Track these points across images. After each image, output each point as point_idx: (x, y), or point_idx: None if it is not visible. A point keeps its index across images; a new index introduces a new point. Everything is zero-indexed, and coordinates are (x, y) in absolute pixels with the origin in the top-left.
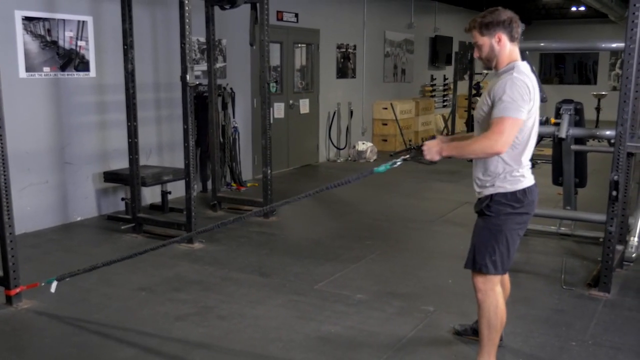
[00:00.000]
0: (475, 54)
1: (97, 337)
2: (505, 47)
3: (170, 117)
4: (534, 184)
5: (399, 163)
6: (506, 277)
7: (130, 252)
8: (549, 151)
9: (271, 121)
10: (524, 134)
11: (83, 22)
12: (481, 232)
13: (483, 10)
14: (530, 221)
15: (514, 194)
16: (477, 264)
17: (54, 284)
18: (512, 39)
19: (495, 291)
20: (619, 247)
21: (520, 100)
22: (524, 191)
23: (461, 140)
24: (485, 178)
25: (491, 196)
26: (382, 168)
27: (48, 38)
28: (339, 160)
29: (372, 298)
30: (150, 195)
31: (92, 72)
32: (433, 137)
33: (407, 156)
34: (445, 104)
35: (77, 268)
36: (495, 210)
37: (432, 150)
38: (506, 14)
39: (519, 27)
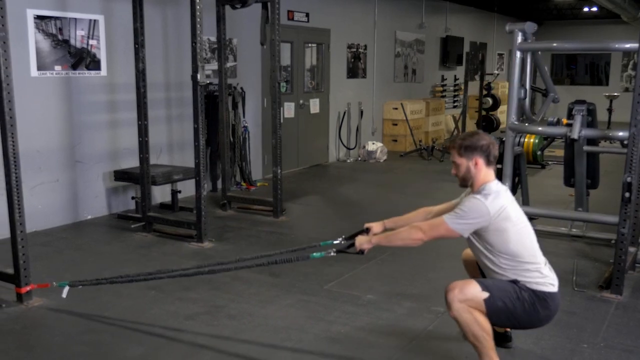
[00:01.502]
0: (453, 172)
1: (107, 335)
2: (481, 170)
3: (180, 116)
4: (558, 292)
5: (332, 254)
6: None
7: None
8: (560, 152)
9: (281, 121)
10: (512, 244)
11: (94, 21)
12: (504, 282)
13: (495, 11)
14: (541, 222)
15: (541, 292)
16: (486, 284)
17: (66, 290)
18: (488, 163)
19: (469, 309)
20: (632, 249)
21: (469, 221)
22: (551, 294)
23: (395, 225)
24: (505, 273)
25: (516, 280)
26: (317, 255)
27: (59, 37)
28: (348, 160)
29: (381, 299)
30: (161, 194)
31: (103, 71)
32: (367, 231)
33: (340, 248)
34: (455, 104)
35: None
36: (522, 287)
37: (362, 242)
38: (485, 140)
39: (497, 151)
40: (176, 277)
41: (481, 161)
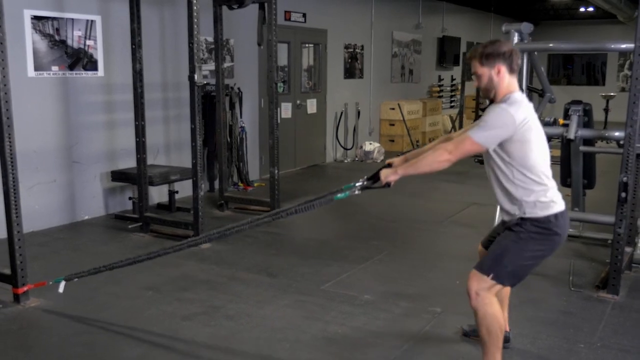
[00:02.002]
0: (475, 84)
1: (104, 336)
2: (504, 79)
3: (177, 116)
4: (564, 210)
5: (357, 192)
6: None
7: (137, 251)
8: (557, 152)
9: (278, 121)
10: (530, 160)
11: (91, 21)
12: (505, 242)
13: (491, 11)
14: None
15: (546, 218)
16: (490, 269)
17: (62, 284)
18: (511, 71)
19: (490, 298)
20: (628, 249)
21: (495, 131)
22: (556, 216)
23: (415, 157)
24: (513, 207)
25: (521, 218)
26: (341, 195)
27: (57, 37)
28: (346, 161)
29: (379, 299)
30: (158, 194)
31: (101, 72)
32: (389, 166)
33: (364, 183)
34: (452, 104)
35: (85, 267)
36: (527, 228)
37: (388, 173)
38: (507, 46)
39: (519, 59)
40: (177, 252)
41: (504, 69)
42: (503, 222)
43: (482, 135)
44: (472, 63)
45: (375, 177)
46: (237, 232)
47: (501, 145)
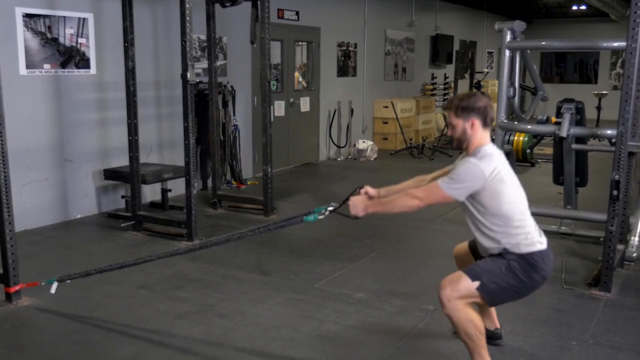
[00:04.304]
0: (449, 132)
1: (97, 335)
2: (477, 132)
3: (170, 114)
4: (548, 249)
5: (327, 213)
6: None
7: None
8: (549, 150)
9: (272, 119)
10: (505, 206)
11: (84, 19)
12: (497, 260)
13: (484, 9)
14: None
15: (530, 255)
16: (476, 274)
17: (55, 285)
18: (485, 125)
19: (461, 304)
20: (620, 247)
21: (465, 185)
22: (541, 253)
23: (387, 195)
24: (496, 246)
25: (504, 248)
26: (311, 217)
27: (49, 35)
28: (339, 159)
29: (372, 297)
30: (151, 193)
31: (93, 70)
32: (361, 188)
33: (333, 208)
34: (445, 102)
35: (78, 265)
36: (513, 259)
37: (358, 207)
38: (482, 101)
39: (493, 113)
40: (166, 258)
41: (478, 122)
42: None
43: (452, 188)
44: (448, 113)
45: (345, 202)
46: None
47: (473, 197)
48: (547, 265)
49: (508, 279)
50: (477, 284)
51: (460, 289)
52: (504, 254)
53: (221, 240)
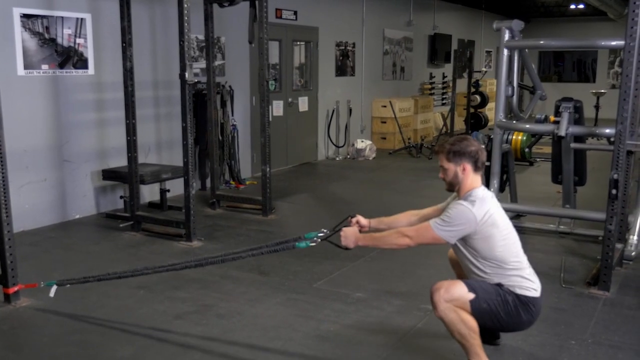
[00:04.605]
0: (440, 175)
1: (96, 336)
2: (468, 176)
3: (169, 115)
4: (540, 296)
5: (319, 240)
6: None
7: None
8: (548, 149)
9: (270, 119)
10: (498, 250)
11: (81, 19)
12: (489, 285)
13: (482, 8)
14: (529, 219)
15: (525, 298)
16: (473, 288)
17: (54, 289)
18: (476, 169)
19: (451, 306)
20: (619, 246)
21: (456, 228)
22: (534, 299)
23: (378, 227)
24: (489, 278)
25: (501, 284)
26: (303, 244)
27: (46, 35)
28: (337, 158)
29: (371, 296)
30: (149, 193)
31: (91, 70)
32: (353, 216)
33: (326, 237)
34: (444, 102)
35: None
36: (508, 293)
37: (349, 238)
38: (474, 145)
39: (485, 157)
40: (163, 272)
41: (469, 167)
42: None
43: (443, 230)
44: (439, 156)
45: (337, 230)
46: (212, 263)
47: (465, 241)
48: (538, 310)
49: (499, 306)
50: (472, 296)
51: (454, 294)
52: (500, 285)
53: (216, 260)
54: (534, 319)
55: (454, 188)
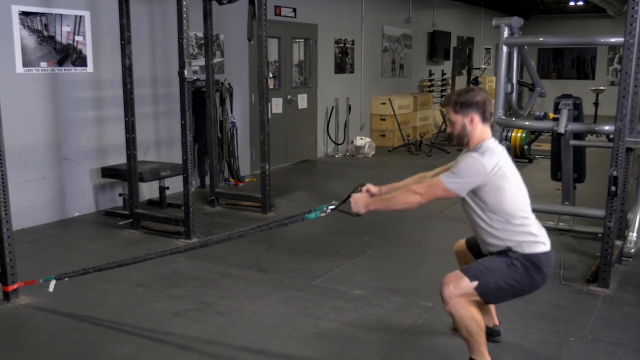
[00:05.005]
0: (448, 129)
1: (95, 334)
2: (477, 127)
3: (168, 112)
4: (550, 250)
5: (328, 211)
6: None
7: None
8: (547, 146)
9: (269, 116)
10: (506, 203)
11: (80, 17)
12: (496, 259)
13: (481, 5)
14: None
15: (534, 255)
16: (473, 275)
17: (52, 283)
18: (484, 119)
19: (463, 301)
20: (618, 243)
21: (466, 180)
22: (545, 254)
23: (389, 193)
24: (499, 243)
25: (508, 247)
26: (313, 215)
27: (45, 33)
28: (337, 156)
29: (370, 294)
30: (148, 190)
31: (90, 67)
32: (362, 185)
33: (336, 206)
34: (443, 99)
35: (76, 264)
36: (516, 257)
37: (359, 203)
38: (480, 96)
39: (492, 107)
40: (165, 256)
41: (477, 118)
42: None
43: (453, 182)
44: (446, 109)
45: (347, 200)
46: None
47: (475, 193)
48: (550, 267)
49: (507, 278)
50: (475, 284)
51: (462, 287)
52: (507, 251)
53: (222, 238)
54: (547, 275)
55: (463, 141)
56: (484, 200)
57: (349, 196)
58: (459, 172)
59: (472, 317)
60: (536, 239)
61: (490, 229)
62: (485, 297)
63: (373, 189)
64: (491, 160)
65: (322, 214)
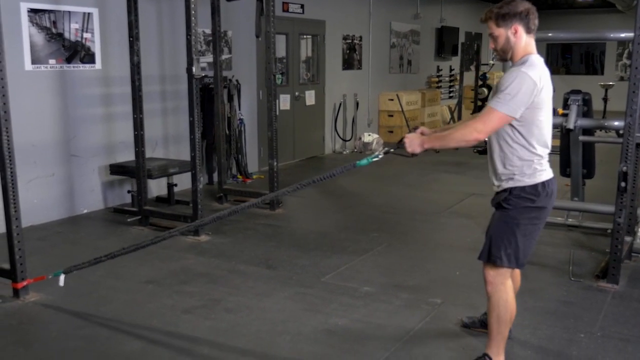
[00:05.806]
0: (491, 45)
1: (104, 330)
2: (521, 39)
3: (176, 109)
4: (552, 177)
5: (380, 156)
6: (517, 271)
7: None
8: (556, 142)
9: (277, 113)
10: (536, 127)
11: (88, 14)
12: (498, 224)
13: (490, 1)
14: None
15: (533, 187)
16: (492, 255)
17: (62, 277)
18: (528, 30)
19: (505, 285)
20: (628, 239)
21: (520, 97)
22: (543, 184)
23: (442, 131)
24: (504, 171)
25: (510, 189)
26: (364, 161)
27: (54, 30)
28: (344, 152)
29: (379, 290)
30: (157, 187)
31: (98, 64)
32: (416, 128)
33: (388, 149)
34: (451, 95)
35: (84, 260)
36: (514, 204)
37: (414, 142)
38: (523, 5)
39: (536, 19)
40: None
41: (521, 28)
42: (493, 199)
43: (506, 104)
44: (488, 24)
45: (400, 143)
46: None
47: None
48: (551, 193)
49: (514, 227)
50: (504, 263)
51: (500, 271)
52: (507, 199)
53: (265, 197)
54: (552, 201)
55: (507, 55)
56: (521, 115)
57: (403, 138)
58: (508, 91)
59: (508, 303)
60: (541, 168)
61: (508, 147)
62: (511, 262)
63: (426, 131)
64: (536, 73)
65: (375, 159)
